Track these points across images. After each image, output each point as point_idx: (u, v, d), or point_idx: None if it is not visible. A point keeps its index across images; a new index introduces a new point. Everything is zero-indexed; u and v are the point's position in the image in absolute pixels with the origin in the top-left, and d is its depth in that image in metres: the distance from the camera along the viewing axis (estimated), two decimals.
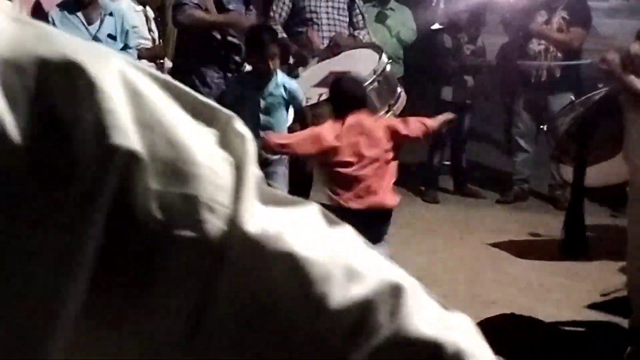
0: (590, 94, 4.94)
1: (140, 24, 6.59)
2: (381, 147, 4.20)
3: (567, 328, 4.58)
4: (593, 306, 4.78)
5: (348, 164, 4.17)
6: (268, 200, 0.61)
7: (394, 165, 4.32)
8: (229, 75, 5.20)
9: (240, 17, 5.18)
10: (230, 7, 5.20)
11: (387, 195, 4.27)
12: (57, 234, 0.52)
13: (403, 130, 4.27)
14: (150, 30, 6.68)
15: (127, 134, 0.53)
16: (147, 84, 0.56)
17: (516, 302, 4.75)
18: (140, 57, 6.41)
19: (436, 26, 7.39)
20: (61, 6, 5.87)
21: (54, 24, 5.71)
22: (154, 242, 0.55)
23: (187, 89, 0.60)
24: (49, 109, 0.53)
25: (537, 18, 6.64)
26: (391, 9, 7.63)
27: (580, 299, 4.87)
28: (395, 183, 6.37)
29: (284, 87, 4.74)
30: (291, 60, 5.88)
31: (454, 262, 5.49)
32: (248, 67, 5.09)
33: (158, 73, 0.60)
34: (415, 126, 4.30)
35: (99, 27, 5.94)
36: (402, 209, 6.69)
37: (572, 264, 5.32)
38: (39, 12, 5.95)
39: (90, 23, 5.91)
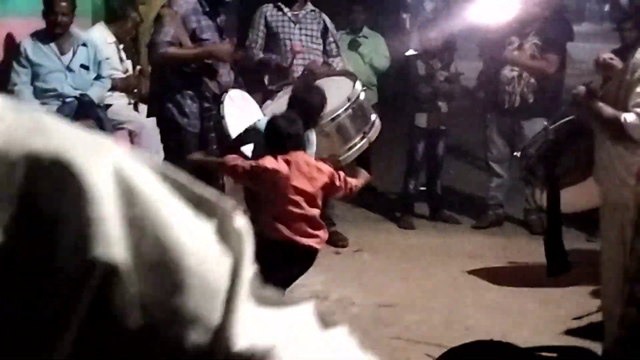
0: (563, 120, 4.96)
1: (113, 55, 6.59)
2: (317, 189, 4.20)
3: (543, 354, 4.57)
4: (570, 332, 4.78)
5: (295, 202, 4.16)
6: (261, 301, 0.59)
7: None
8: (206, 104, 5.18)
9: (214, 47, 5.17)
10: (204, 37, 5.20)
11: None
12: (28, 340, 0.51)
13: (337, 182, 4.25)
14: (121, 60, 6.68)
15: (110, 244, 0.52)
16: (145, 177, 0.55)
17: (493, 328, 4.73)
18: (114, 88, 6.41)
19: (410, 52, 7.42)
20: (34, 36, 5.86)
21: (26, 54, 5.70)
22: (132, 352, 0.54)
23: (188, 180, 0.58)
24: (34, 209, 0.51)
25: (509, 44, 6.69)
26: (364, 36, 7.68)
27: (556, 324, 4.87)
28: (371, 210, 6.46)
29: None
30: (266, 80, 5.91)
31: (430, 289, 5.47)
32: (230, 93, 5.09)
33: (159, 165, 0.58)
34: (344, 184, 4.28)
35: (72, 57, 5.93)
36: (378, 235, 6.73)
37: (549, 289, 5.32)
38: (11, 43, 5.94)
39: (63, 53, 5.91)
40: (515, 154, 5.94)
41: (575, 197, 4.94)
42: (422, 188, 7.37)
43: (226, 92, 5.10)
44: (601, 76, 4.44)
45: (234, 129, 4.96)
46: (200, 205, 0.59)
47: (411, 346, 4.59)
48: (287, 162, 4.14)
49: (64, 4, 5.80)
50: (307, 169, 4.16)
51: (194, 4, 5.18)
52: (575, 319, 4.90)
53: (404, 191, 7.24)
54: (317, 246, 4.19)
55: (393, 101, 7.84)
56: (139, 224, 0.53)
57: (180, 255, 0.55)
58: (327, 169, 4.25)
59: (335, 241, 6.30)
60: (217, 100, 5.11)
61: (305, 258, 4.22)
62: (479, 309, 5.09)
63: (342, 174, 4.30)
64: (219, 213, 0.59)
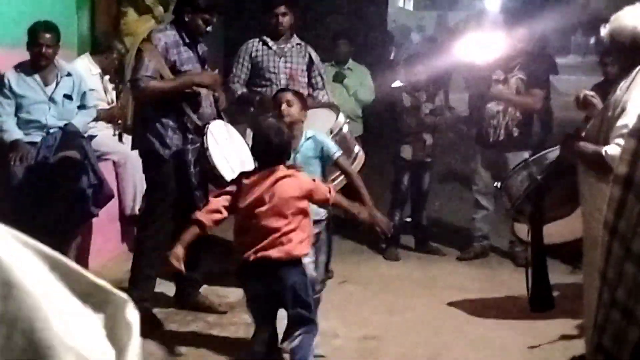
0: (542, 152, 4.99)
1: (97, 86, 6.60)
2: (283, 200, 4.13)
3: None
4: None
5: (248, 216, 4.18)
6: None
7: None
8: (189, 135, 5.18)
9: (195, 76, 5.18)
10: (185, 68, 5.20)
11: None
12: None
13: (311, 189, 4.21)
14: (106, 91, 6.69)
15: None
16: (27, 267, 0.53)
17: None
18: (97, 119, 6.41)
19: (396, 84, 7.45)
20: (18, 67, 5.86)
21: (9, 85, 5.70)
22: None
23: (80, 269, 0.57)
24: None
25: (493, 78, 6.73)
26: (349, 68, 7.72)
27: (541, 358, 4.86)
28: (356, 241, 6.42)
29: (314, 140, 4.72)
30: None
31: (415, 321, 5.45)
32: (213, 124, 5.08)
33: (49, 251, 0.57)
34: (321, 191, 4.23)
35: (55, 88, 5.93)
36: (363, 267, 6.71)
37: (533, 322, 5.31)
38: None
39: (46, 84, 5.91)
40: (495, 184, 5.96)
41: (561, 229, 4.95)
42: (408, 219, 7.37)
43: (209, 123, 5.09)
44: (583, 113, 4.48)
45: (219, 160, 4.94)
46: (89, 296, 0.57)
47: None
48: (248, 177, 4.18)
49: (48, 35, 5.81)
50: (275, 181, 4.12)
51: (173, 36, 5.18)
52: (531, 347, 4.90)
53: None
54: (286, 257, 4.09)
55: (378, 133, 7.87)
56: (12, 322, 0.52)
57: (55, 353, 0.53)
58: (299, 181, 4.18)
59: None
60: (200, 132, 5.10)
61: (263, 272, 4.15)
62: (463, 342, 5.07)
63: (321, 183, 4.29)
64: (110, 304, 0.58)
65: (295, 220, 4.12)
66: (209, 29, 5.28)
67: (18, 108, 5.80)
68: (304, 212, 4.17)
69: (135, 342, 0.55)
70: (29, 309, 0.51)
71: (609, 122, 3.96)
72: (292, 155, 4.49)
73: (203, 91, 5.23)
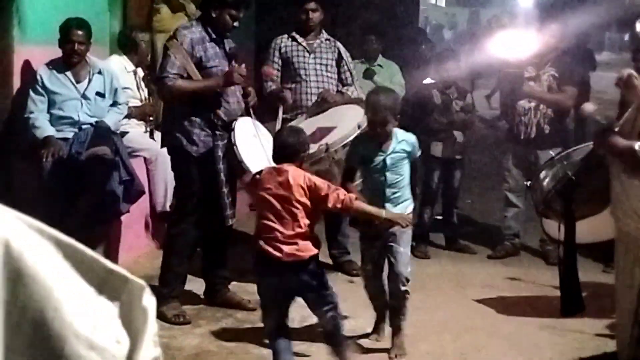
0: (569, 149, 4.95)
1: (131, 84, 6.63)
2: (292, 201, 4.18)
3: None
4: None
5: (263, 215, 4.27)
6: None
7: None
8: (217, 132, 5.18)
9: (222, 78, 5.15)
10: (210, 64, 5.19)
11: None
12: None
13: (321, 193, 4.18)
14: (139, 88, 6.72)
15: None
16: (39, 255, 0.53)
17: None
18: (129, 116, 6.45)
19: (427, 81, 7.42)
20: (50, 65, 5.91)
21: (42, 82, 5.75)
22: None
23: (96, 256, 0.57)
24: None
25: (525, 75, 6.66)
26: (379, 65, 7.70)
27: (572, 356, 4.82)
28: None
29: (405, 141, 4.79)
30: (280, 111, 5.93)
31: (444, 319, 5.43)
32: (240, 121, 5.10)
33: (63, 238, 0.56)
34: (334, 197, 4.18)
35: (88, 85, 5.97)
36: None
37: (564, 321, 5.27)
38: (28, 71, 5.99)
39: (78, 81, 5.95)
40: (526, 183, 5.91)
41: (592, 229, 4.92)
42: (438, 217, 7.34)
43: (236, 119, 5.10)
44: (620, 93, 4.37)
45: (247, 155, 4.95)
46: (105, 283, 0.57)
47: None
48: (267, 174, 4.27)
49: (80, 32, 5.85)
50: (281, 180, 4.19)
51: (199, 32, 5.18)
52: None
53: (419, 220, 7.19)
54: (287, 259, 4.15)
55: (409, 130, 7.82)
56: (24, 311, 0.51)
57: (65, 343, 0.52)
58: (304, 180, 4.18)
59: (349, 270, 6.28)
60: (228, 128, 5.11)
61: (277, 269, 4.21)
62: (492, 340, 5.04)
63: (332, 186, 4.24)
64: (126, 291, 0.58)
65: (297, 221, 4.16)
66: (236, 24, 5.27)
67: (50, 104, 5.85)
68: (307, 211, 4.18)
69: (150, 329, 0.55)
70: (40, 298, 0.51)
71: None
72: (382, 157, 4.62)
73: (230, 87, 5.23)
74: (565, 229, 4.84)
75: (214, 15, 5.21)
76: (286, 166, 4.23)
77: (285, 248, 4.14)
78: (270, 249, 4.16)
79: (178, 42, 5.13)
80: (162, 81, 5.13)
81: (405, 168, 4.78)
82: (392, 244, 4.75)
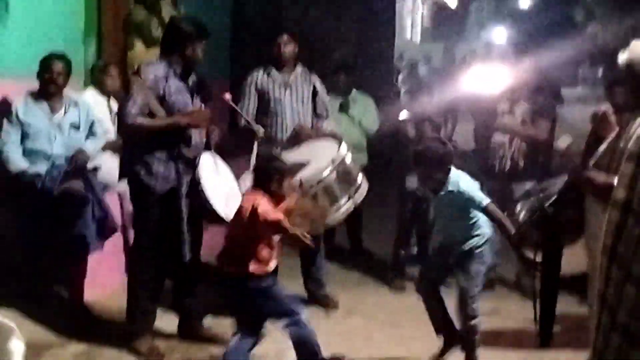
0: (547, 181, 4.97)
1: (103, 115, 6.60)
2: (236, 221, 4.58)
3: None
4: None
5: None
6: None
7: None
8: (180, 167, 5.11)
9: (184, 117, 5.11)
10: (173, 99, 5.10)
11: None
12: None
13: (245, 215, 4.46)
14: (114, 122, 6.69)
15: None
16: None
17: None
18: (103, 149, 6.41)
19: (403, 115, 7.44)
20: (27, 96, 5.89)
21: (17, 114, 5.74)
22: None
23: None
24: None
25: (499, 109, 6.71)
26: (353, 98, 7.72)
27: None
28: (361, 271, 6.42)
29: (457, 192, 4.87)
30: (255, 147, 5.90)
31: (421, 353, 5.39)
32: (204, 157, 5.09)
33: None
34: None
35: (63, 116, 5.95)
36: (368, 298, 6.66)
37: (541, 353, 5.25)
38: (5, 104, 5.97)
39: (53, 113, 5.93)
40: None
41: (566, 261, 4.90)
42: (413, 251, 7.33)
43: (200, 155, 5.07)
44: (592, 129, 4.43)
45: (211, 193, 4.92)
46: None
47: None
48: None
49: (60, 64, 5.88)
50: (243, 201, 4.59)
51: (163, 69, 5.10)
52: None
53: (395, 253, 7.20)
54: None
55: (383, 164, 7.86)
56: None
57: None
58: (247, 202, 4.49)
59: (326, 303, 6.25)
60: (190, 164, 5.07)
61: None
62: None
63: (260, 207, 4.41)
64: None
65: (250, 240, 4.47)
66: (201, 55, 5.21)
67: (24, 137, 5.82)
68: (259, 233, 4.45)
69: None
70: None
71: (622, 153, 3.92)
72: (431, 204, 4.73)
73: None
74: (544, 261, 4.83)
75: (187, 52, 5.13)
76: (255, 191, 4.55)
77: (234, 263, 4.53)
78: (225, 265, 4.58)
79: (141, 79, 5.07)
80: (122, 119, 5.07)
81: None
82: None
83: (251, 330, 4.66)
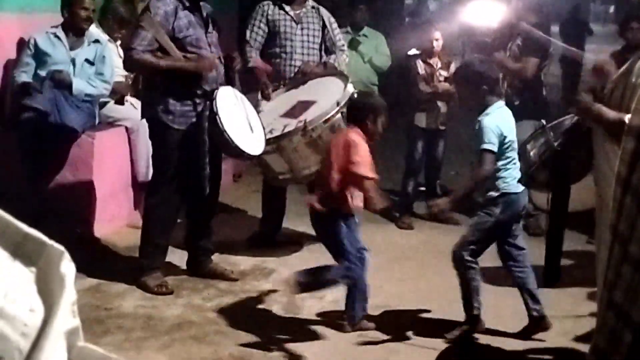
0: (560, 119, 4.92)
1: (114, 55, 6.59)
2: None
3: (535, 356, 4.56)
4: (564, 334, 4.76)
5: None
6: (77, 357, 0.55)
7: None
8: (197, 101, 5.11)
9: (190, 64, 5.05)
10: (183, 34, 5.05)
11: None
12: None
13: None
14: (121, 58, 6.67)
15: None
16: None
17: (488, 329, 4.73)
18: (112, 93, 6.41)
19: (412, 52, 7.37)
20: (50, 28, 5.98)
21: (35, 44, 5.80)
22: None
23: (9, 218, 0.54)
24: None
25: (495, 43, 6.65)
26: (364, 35, 7.66)
27: (554, 326, 4.83)
28: (369, 209, 6.44)
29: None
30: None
31: (427, 290, 5.44)
32: (222, 90, 5.05)
33: None
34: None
35: (79, 52, 6.02)
36: (375, 235, 6.67)
37: (548, 291, 5.27)
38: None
39: (74, 47, 5.98)
40: None
41: (573, 198, 4.90)
42: (421, 188, 7.33)
43: (217, 89, 5.03)
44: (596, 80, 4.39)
45: (229, 125, 4.90)
46: (19, 247, 0.54)
47: (406, 347, 4.58)
48: None
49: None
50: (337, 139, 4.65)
51: (172, 3, 5.05)
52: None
53: (402, 191, 7.20)
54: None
55: (393, 101, 7.80)
56: None
57: None
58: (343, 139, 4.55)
59: None
60: (208, 97, 5.05)
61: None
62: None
63: (359, 149, 4.46)
64: (43, 256, 0.55)
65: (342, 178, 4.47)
66: None
67: (39, 64, 5.88)
68: (347, 170, 4.45)
69: (68, 297, 0.52)
70: None
71: (634, 87, 3.88)
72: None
73: (209, 55, 5.15)
74: (553, 199, 4.83)
75: None
76: (349, 128, 4.63)
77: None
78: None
79: (150, 15, 5.02)
80: (129, 54, 5.04)
81: None
82: None
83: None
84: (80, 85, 5.96)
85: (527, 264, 4.76)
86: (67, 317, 0.53)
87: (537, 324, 4.71)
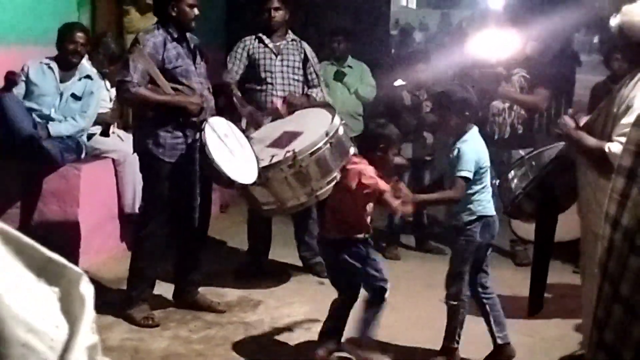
0: (540, 149, 4.95)
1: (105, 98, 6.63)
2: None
3: None
4: None
5: None
6: None
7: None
8: (187, 133, 5.13)
9: (184, 101, 5.09)
10: (172, 65, 5.09)
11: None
12: None
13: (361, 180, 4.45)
14: (109, 91, 6.69)
15: None
16: None
17: None
18: (96, 123, 6.43)
19: (398, 83, 7.41)
20: (42, 59, 6.07)
21: (27, 72, 5.81)
22: None
23: (34, 243, 0.56)
24: None
25: (497, 75, 6.68)
26: (349, 66, 7.70)
27: (539, 356, 4.83)
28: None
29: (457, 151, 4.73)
30: (243, 123, 5.85)
31: (415, 319, 5.43)
32: (211, 121, 5.06)
33: (2, 225, 0.56)
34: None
35: (69, 85, 6.04)
36: None
37: (533, 322, 5.27)
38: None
39: (64, 80, 6.02)
40: (494, 181, 5.92)
41: (558, 228, 4.90)
42: (409, 219, 7.33)
43: (206, 120, 5.05)
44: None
45: (218, 155, 4.90)
46: (43, 270, 0.56)
47: None
48: None
49: (81, 34, 6.04)
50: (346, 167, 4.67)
51: (161, 35, 5.10)
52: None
53: (389, 222, 7.21)
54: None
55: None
56: None
57: (5, 326, 0.52)
58: (352, 170, 4.54)
59: (320, 272, 6.25)
60: (198, 128, 5.06)
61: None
62: (463, 340, 5.03)
63: (367, 172, 4.46)
64: (64, 278, 0.57)
65: (354, 206, 4.52)
66: (196, 12, 5.18)
67: (27, 94, 5.94)
68: (360, 196, 4.46)
69: (88, 316, 0.54)
70: None
71: (615, 117, 3.92)
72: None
73: (198, 86, 5.18)
74: (538, 230, 4.83)
75: (172, 13, 5.13)
76: (356, 157, 4.67)
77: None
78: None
79: (139, 48, 5.04)
80: (124, 87, 5.04)
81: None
82: None
83: (349, 293, 4.76)
84: (57, 128, 5.98)
85: (492, 289, 4.76)
86: (88, 333, 0.56)
87: (502, 351, 4.71)
